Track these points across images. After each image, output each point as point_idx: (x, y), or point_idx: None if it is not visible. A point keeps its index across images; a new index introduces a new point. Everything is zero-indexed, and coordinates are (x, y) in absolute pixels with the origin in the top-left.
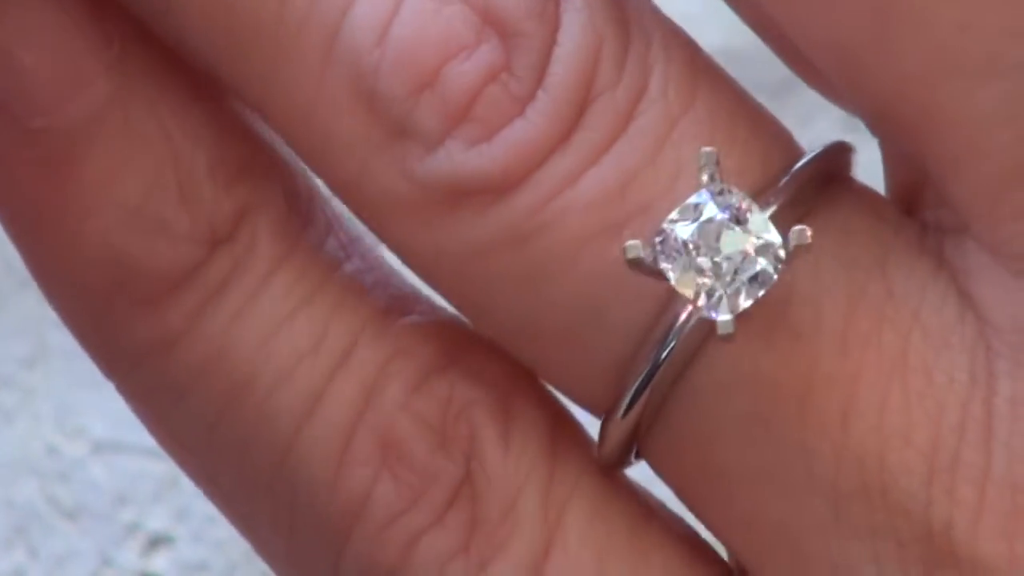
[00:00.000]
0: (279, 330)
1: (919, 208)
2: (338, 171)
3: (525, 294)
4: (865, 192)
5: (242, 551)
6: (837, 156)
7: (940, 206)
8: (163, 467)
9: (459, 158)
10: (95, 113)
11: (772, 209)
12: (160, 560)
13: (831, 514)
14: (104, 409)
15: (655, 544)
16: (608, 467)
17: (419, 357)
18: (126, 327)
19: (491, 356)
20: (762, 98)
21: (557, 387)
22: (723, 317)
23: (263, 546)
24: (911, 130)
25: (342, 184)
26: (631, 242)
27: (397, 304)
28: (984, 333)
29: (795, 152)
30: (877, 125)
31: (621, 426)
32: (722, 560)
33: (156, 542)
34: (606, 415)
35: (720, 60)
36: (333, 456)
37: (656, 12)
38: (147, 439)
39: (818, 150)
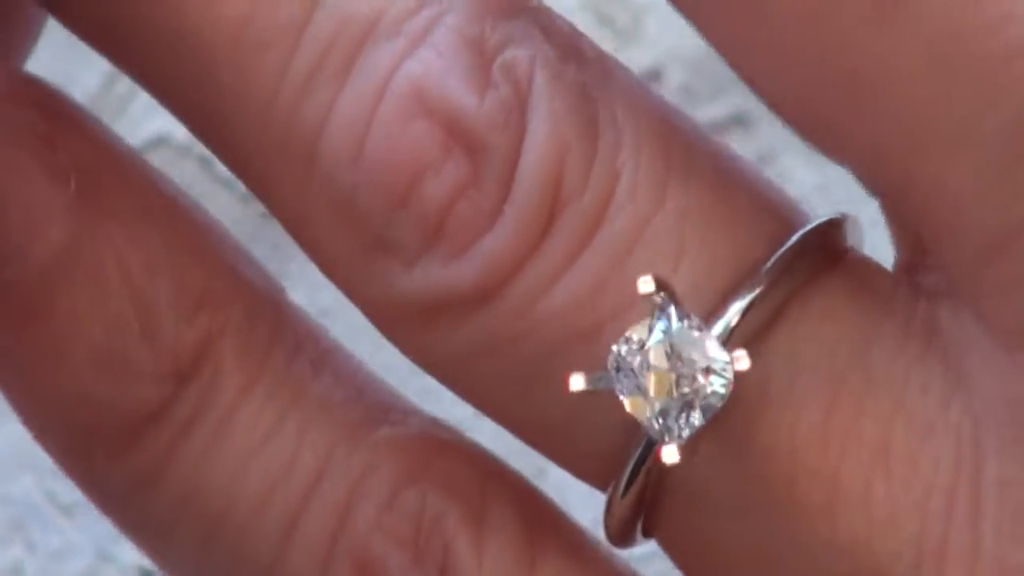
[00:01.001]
0: (250, 460)
1: (921, 271)
2: (333, 277)
3: (515, 394)
4: (857, 267)
5: None
6: (829, 231)
7: (938, 271)
8: None
9: (435, 274)
10: (58, 256)
11: (739, 311)
12: None
13: None
14: None
15: None
16: (616, 544)
17: (390, 472)
18: (108, 468)
19: (464, 461)
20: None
21: (564, 467)
22: (668, 448)
23: None
24: (897, 193)
25: (341, 286)
26: (573, 377)
27: (370, 416)
28: (972, 410)
29: (788, 228)
30: (871, 184)
31: (622, 505)
32: None
33: None
34: (609, 494)
35: (717, 59)
36: None
37: (632, 99)
38: None
39: (807, 227)
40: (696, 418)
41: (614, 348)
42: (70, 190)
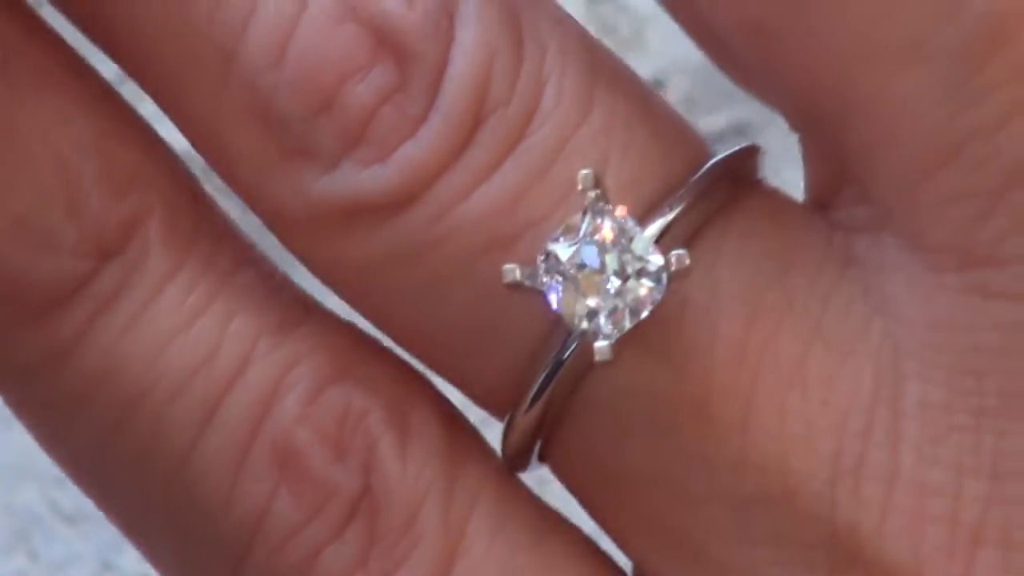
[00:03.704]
0: (172, 342)
1: (835, 207)
2: (240, 183)
3: (422, 306)
4: (773, 196)
5: None
6: (745, 158)
7: (858, 204)
8: None
9: (354, 178)
10: None
11: (665, 222)
12: None
13: (733, 521)
14: None
15: (558, 555)
16: (511, 467)
17: (315, 368)
18: (15, 341)
19: (387, 364)
20: (760, 105)
21: (463, 391)
22: (599, 344)
23: (159, 563)
24: (831, 117)
25: (244, 194)
26: (507, 266)
27: (292, 314)
28: (892, 334)
29: (701, 155)
30: (796, 114)
31: (523, 424)
32: (621, 569)
33: None
34: (510, 414)
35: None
36: (229, 471)
37: (555, 18)
38: None
39: (725, 153)
40: (626, 320)
41: (548, 245)
42: None
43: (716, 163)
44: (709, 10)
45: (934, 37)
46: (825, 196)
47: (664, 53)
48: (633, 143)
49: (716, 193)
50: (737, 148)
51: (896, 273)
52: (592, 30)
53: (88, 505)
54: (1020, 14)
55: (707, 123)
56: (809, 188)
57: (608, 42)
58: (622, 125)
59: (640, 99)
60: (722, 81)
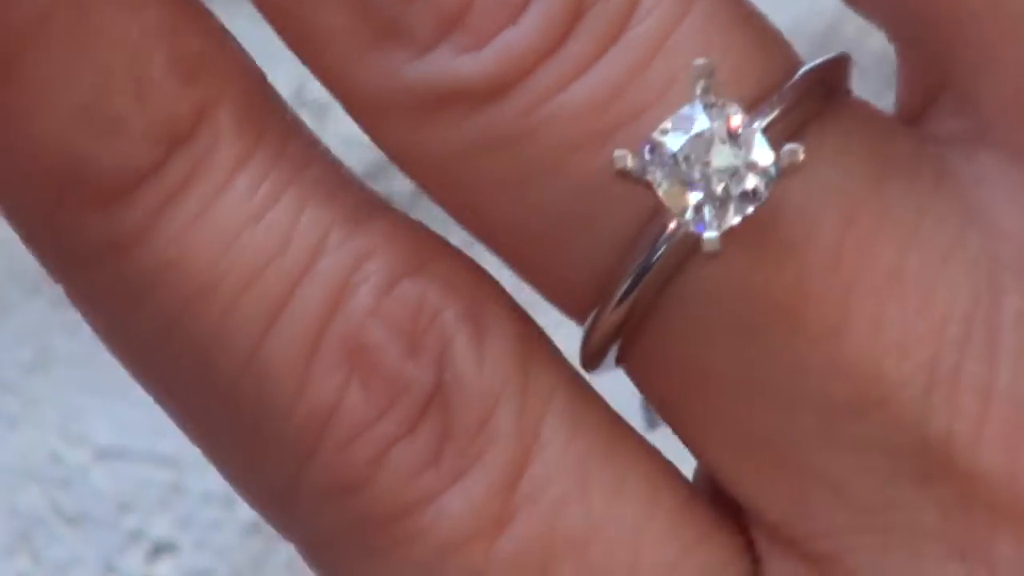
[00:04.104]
0: (243, 232)
1: (928, 120)
2: (326, 66)
3: (512, 198)
4: (864, 106)
5: (246, 559)
6: (837, 67)
7: (954, 116)
8: (167, 474)
9: (448, 63)
10: (45, 8)
11: (767, 120)
12: (163, 567)
13: (821, 426)
14: (108, 416)
15: (631, 459)
16: (586, 366)
17: (389, 260)
18: (79, 227)
19: (461, 264)
20: None
21: (542, 291)
22: (709, 235)
23: (223, 462)
24: (939, 29)
25: (329, 78)
26: (619, 152)
27: (364, 207)
28: (990, 246)
29: (795, 63)
30: (902, 25)
31: (610, 321)
32: (685, 477)
33: (159, 549)
34: (596, 311)
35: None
36: (299, 363)
37: None
38: (151, 445)
39: (818, 60)
40: (731, 214)
41: (656, 136)
42: None
43: (811, 69)
44: None
45: None
46: (918, 108)
47: None
48: (733, 43)
49: (811, 99)
50: (829, 56)
51: (994, 186)
52: None
53: (91, 507)
54: None
55: None
56: (901, 100)
57: None
58: (721, 25)
59: (738, 4)
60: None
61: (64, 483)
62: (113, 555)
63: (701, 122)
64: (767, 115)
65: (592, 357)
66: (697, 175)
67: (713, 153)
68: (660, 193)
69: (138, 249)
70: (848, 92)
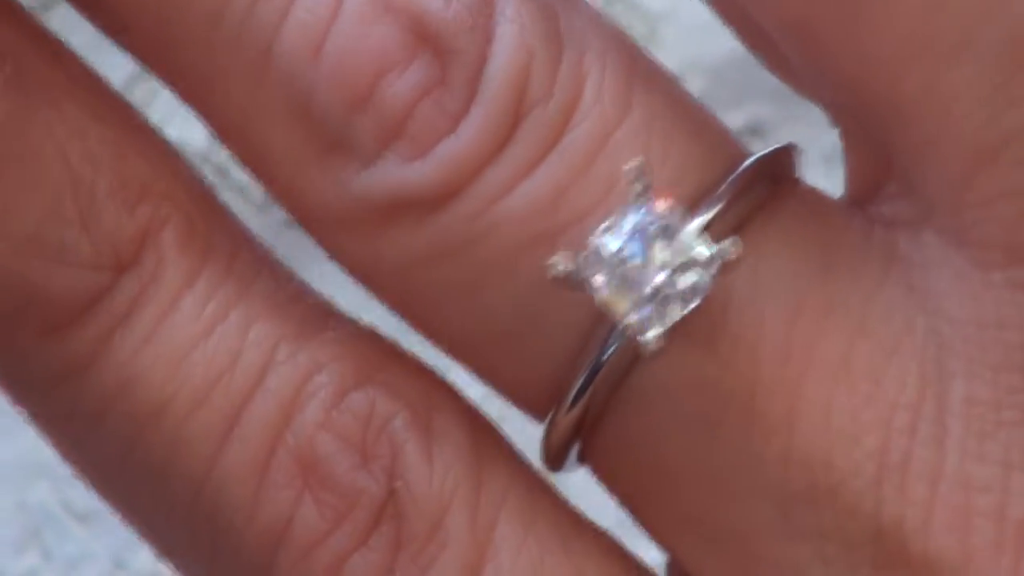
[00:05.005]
0: (192, 351)
1: (876, 203)
2: (276, 181)
3: (464, 303)
4: (811, 194)
5: None
6: (782, 157)
7: (900, 199)
8: None
9: (394, 173)
10: None
11: (709, 216)
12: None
13: (778, 516)
14: None
15: (587, 556)
16: (550, 467)
17: (337, 373)
18: (32, 355)
19: (410, 370)
20: (775, 104)
21: (503, 392)
22: (648, 335)
23: (185, 573)
24: (878, 115)
25: (280, 192)
26: (555, 257)
27: (312, 320)
28: (937, 331)
29: (739, 155)
30: (841, 111)
31: (565, 422)
32: (648, 569)
33: None
34: (552, 413)
35: (734, 67)
36: (252, 479)
37: (593, 19)
38: None
39: (762, 152)
40: (673, 312)
41: (594, 239)
42: (6, 71)
43: (755, 161)
44: (755, 9)
45: (980, 35)
46: (866, 191)
47: (679, 52)
48: (674, 140)
49: (756, 191)
50: (775, 147)
51: (940, 270)
52: None
53: (101, 504)
54: None
55: (727, 120)
56: (849, 183)
57: None
58: (662, 122)
59: (677, 98)
60: (737, 79)
61: (74, 480)
62: (123, 552)
63: (638, 222)
64: (708, 210)
65: (553, 457)
66: (636, 275)
67: (651, 251)
68: (603, 295)
69: (91, 373)
70: (795, 181)
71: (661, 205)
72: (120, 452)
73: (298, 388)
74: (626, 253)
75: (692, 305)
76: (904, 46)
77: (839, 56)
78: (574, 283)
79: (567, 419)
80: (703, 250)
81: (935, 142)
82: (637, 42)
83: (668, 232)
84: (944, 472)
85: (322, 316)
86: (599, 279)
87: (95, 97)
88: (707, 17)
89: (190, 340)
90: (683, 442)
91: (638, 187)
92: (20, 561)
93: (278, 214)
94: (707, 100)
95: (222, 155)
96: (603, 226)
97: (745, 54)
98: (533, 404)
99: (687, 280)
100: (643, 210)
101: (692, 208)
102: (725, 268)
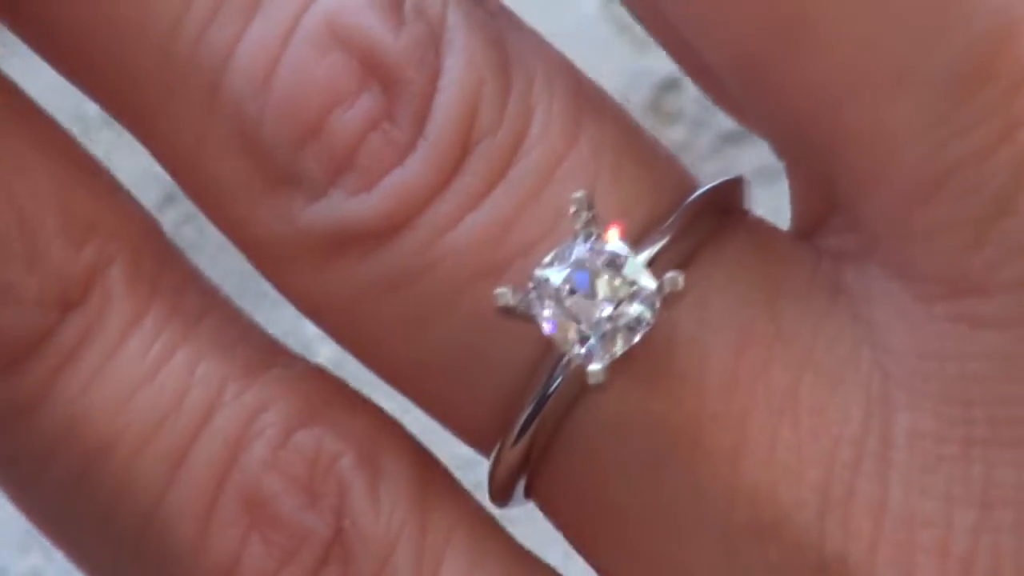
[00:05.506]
0: (139, 391)
1: (822, 235)
2: (223, 213)
3: (411, 335)
4: (759, 225)
5: None
6: (731, 189)
7: (845, 232)
8: None
9: (341, 206)
10: None
11: (656, 248)
12: None
13: (724, 552)
14: None
15: None
16: (496, 502)
17: (285, 410)
18: None
19: (356, 407)
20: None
21: (449, 427)
22: (593, 367)
23: None
24: (819, 149)
25: (228, 226)
26: (500, 290)
27: (258, 358)
28: (881, 363)
29: (689, 185)
30: (785, 146)
31: (511, 456)
32: None
33: None
34: (497, 447)
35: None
36: (199, 518)
37: (540, 47)
38: None
39: (711, 184)
40: (618, 345)
41: (539, 271)
42: None
43: (703, 193)
44: (698, 43)
45: (920, 68)
46: (812, 224)
47: None
48: (622, 170)
49: (704, 222)
50: (723, 180)
51: (884, 302)
52: (607, 29)
53: None
54: (1004, 45)
55: (723, 123)
56: (795, 215)
57: (624, 40)
58: (610, 152)
59: (626, 128)
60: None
61: None
62: None
63: (582, 254)
64: (655, 243)
65: (499, 492)
66: (581, 307)
67: (596, 284)
68: (548, 327)
69: (38, 412)
70: (744, 212)
71: (607, 237)
72: (66, 493)
73: (244, 427)
74: (571, 286)
75: (636, 338)
76: (845, 79)
77: (782, 90)
78: (520, 315)
79: (512, 453)
80: (648, 282)
81: (877, 175)
82: (641, 41)
83: (614, 264)
84: (888, 506)
85: (270, 354)
86: (545, 312)
87: (41, 133)
88: None
89: (136, 379)
90: (629, 477)
91: (583, 219)
92: (23, 561)
93: None
94: (707, 101)
95: None
96: (548, 258)
97: None
98: (479, 438)
99: (632, 312)
100: (588, 242)
101: (639, 240)
102: (669, 301)
